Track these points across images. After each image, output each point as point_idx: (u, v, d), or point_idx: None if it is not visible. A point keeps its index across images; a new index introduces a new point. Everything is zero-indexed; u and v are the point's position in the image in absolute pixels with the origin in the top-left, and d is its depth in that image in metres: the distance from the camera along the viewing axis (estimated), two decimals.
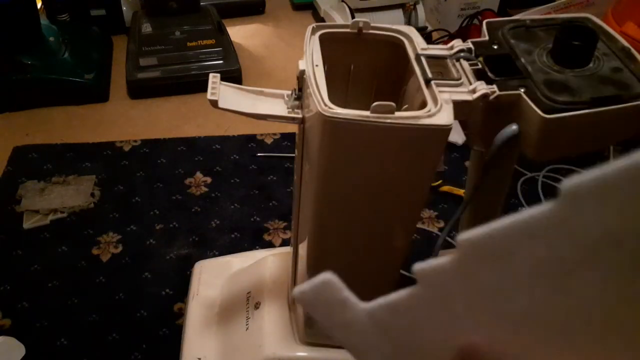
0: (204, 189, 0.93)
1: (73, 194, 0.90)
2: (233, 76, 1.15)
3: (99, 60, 1.16)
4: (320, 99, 0.36)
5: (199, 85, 1.13)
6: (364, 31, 0.43)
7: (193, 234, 0.85)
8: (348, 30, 0.43)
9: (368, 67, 0.46)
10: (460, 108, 0.38)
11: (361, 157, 0.37)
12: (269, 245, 0.84)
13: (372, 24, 0.43)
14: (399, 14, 1.25)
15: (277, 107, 0.43)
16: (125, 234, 0.85)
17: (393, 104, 0.34)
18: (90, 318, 0.73)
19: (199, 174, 0.96)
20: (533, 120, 0.38)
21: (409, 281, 0.14)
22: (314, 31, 0.43)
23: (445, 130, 0.36)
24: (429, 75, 0.39)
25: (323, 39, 0.42)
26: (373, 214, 0.42)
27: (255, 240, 0.84)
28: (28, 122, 1.05)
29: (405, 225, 0.43)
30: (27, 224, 0.85)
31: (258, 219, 0.88)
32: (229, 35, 1.22)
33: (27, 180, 0.92)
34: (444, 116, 0.36)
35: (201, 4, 1.24)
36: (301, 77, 0.40)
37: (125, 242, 0.83)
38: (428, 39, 1.28)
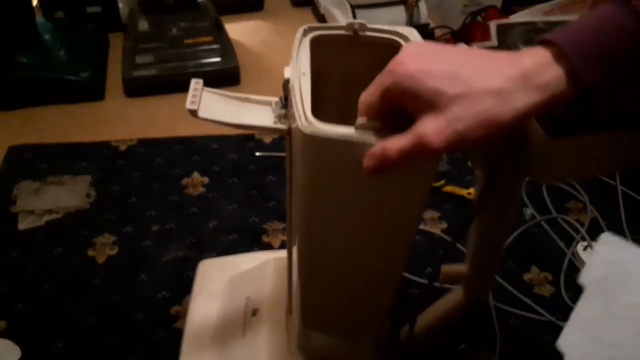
0: (201, 189, 0.92)
1: (68, 195, 0.89)
2: (231, 74, 1.13)
3: (94, 58, 1.14)
4: (302, 112, 0.33)
5: None
6: (360, 33, 0.40)
7: (190, 235, 0.84)
8: (343, 32, 0.40)
9: (366, 71, 0.44)
10: None
11: (346, 176, 0.34)
12: (268, 246, 0.82)
13: (368, 25, 0.40)
14: (400, 10, 1.23)
15: (263, 116, 0.40)
16: (121, 235, 0.83)
17: (378, 123, 0.31)
18: (86, 320, 0.72)
19: (196, 174, 0.94)
20: (536, 141, 0.35)
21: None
22: (305, 33, 0.39)
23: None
24: None
25: (316, 42, 0.39)
26: (362, 235, 0.39)
27: (253, 241, 0.83)
28: (23, 121, 1.04)
29: (397, 249, 0.40)
30: (22, 225, 0.84)
31: (256, 220, 0.87)
32: (226, 32, 1.20)
33: (22, 181, 0.91)
34: None
35: (199, 0, 1.22)
36: (286, 86, 0.37)
37: (121, 244, 0.82)
38: (430, 36, 1.27)
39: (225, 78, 1.13)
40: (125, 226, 0.85)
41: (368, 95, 0.31)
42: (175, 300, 0.75)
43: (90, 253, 0.81)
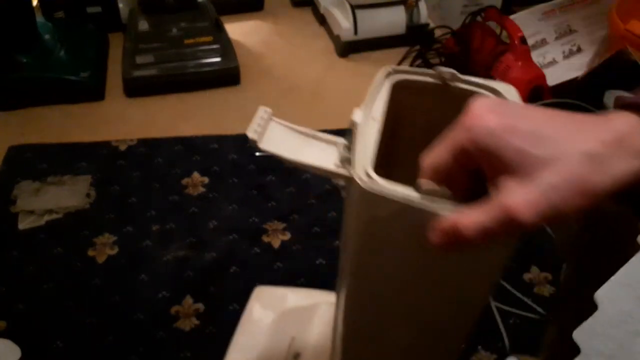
0: (202, 189, 0.92)
1: (68, 195, 0.89)
2: (231, 74, 1.13)
3: (95, 58, 1.14)
4: (362, 162, 0.30)
5: (197, 83, 1.12)
6: (450, 83, 0.36)
7: (190, 235, 0.84)
8: (430, 79, 0.36)
9: (453, 121, 0.39)
10: None
11: (402, 240, 0.31)
12: (268, 246, 0.83)
13: (460, 76, 0.36)
14: (400, 10, 1.23)
15: (326, 156, 0.36)
16: (121, 235, 0.83)
17: (447, 189, 0.27)
18: (86, 320, 0.72)
19: (196, 174, 0.94)
20: None
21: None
22: (387, 75, 0.36)
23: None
24: None
25: (398, 86, 0.36)
26: (415, 301, 0.35)
27: (253, 241, 0.83)
28: (23, 121, 1.04)
29: (458, 320, 0.36)
30: (22, 225, 0.84)
31: (256, 220, 0.87)
32: (227, 32, 1.20)
33: (22, 180, 0.91)
34: None
35: (199, 0, 1.22)
36: (352, 130, 0.34)
37: (121, 244, 0.82)
38: (430, 36, 1.27)
39: (225, 78, 1.13)
40: (126, 226, 0.85)
41: (436, 156, 0.26)
42: (175, 300, 0.75)
43: (91, 253, 0.81)
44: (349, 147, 0.35)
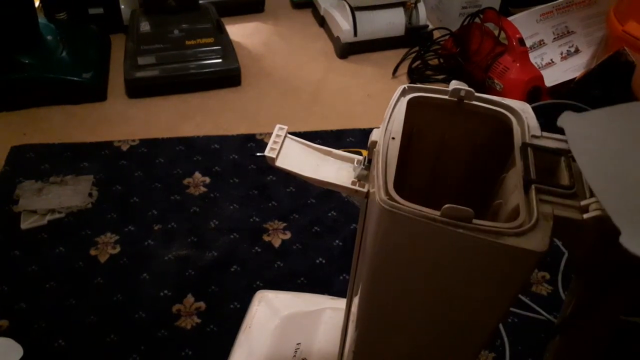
0: (203, 189, 0.92)
1: (71, 194, 0.89)
2: (232, 75, 1.14)
3: (97, 59, 1.15)
4: (383, 183, 0.29)
5: (198, 84, 1.13)
6: (466, 101, 0.35)
7: (192, 234, 0.84)
8: (446, 97, 0.36)
9: (466, 138, 0.38)
10: (564, 227, 0.29)
11: (421, 261, 0.31)
12: (269, 245, 0.83)
13: (476, 94, 0.35)
14: (399, 12, 1.24)
15: (342, 173, 0.37)
16: (123, 234, 0.84)
17: (470, 210, 0.27)
18: (88, 319, 0.73)
19: (197, 174, 0.95)
20: None
21: None
22: (404, 93, 0.36)
23: (535, 256, 0.27)
24: (532, 175, 0.30)
25: (414, 102, 0.36)
26: (428, 322, 0.36)
27: (254, 240, 0.84)
28: (25, 122, 1.05)
29: (474, 334, 0.36)
30: (24, 224, 0.85)
31: (257, 219, 0.87)
32: (228, 33, 1.21)
33: (24, 180, 0.92)
34: (537, 238, 0.27)
35: (200, 2, 1.23)
36: (372, 149, 0.34)
37: (123, 243, 0.83)
38: (429, 37, 1.28)
39: (226, 79, 1.14)
40: (127, 225, 0.85)
41: None
42: (177, 299, 0.75)
43: (93, 252, 0.81)
44: (366, 166, 0.35)
